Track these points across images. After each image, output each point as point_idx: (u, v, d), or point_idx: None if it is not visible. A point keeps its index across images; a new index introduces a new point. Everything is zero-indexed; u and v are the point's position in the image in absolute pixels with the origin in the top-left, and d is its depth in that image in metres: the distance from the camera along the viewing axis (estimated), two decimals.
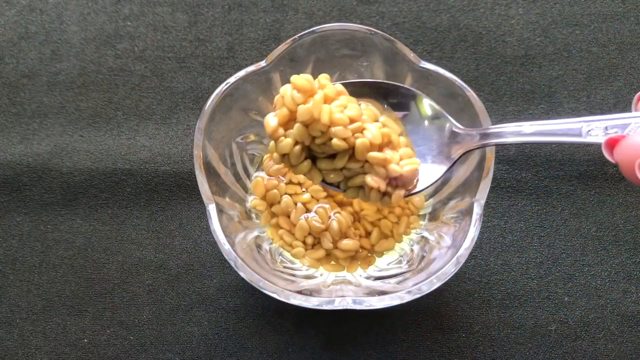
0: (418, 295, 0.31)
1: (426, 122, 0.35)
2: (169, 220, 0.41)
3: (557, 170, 0.41)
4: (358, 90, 0.35)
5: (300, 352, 0.38)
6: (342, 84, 0.34)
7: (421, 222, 0.39)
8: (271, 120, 0.33)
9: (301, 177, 0.39)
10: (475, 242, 0.32)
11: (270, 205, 0.39)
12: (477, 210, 0.32)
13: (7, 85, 0.43)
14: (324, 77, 0.34)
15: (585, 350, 0.38)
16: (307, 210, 0.38)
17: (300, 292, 0.32)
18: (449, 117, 0.34)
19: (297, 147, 0.32)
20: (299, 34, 0.36)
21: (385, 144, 0.33)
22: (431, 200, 0.39)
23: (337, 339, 0.38)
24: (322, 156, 0.33)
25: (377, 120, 0.34)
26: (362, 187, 0.33)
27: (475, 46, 0.44)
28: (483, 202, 0.33)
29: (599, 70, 0.44)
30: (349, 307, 0.31)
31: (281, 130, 0.33)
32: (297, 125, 0.32)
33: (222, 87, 0.35)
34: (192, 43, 0.44)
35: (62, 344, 0.38)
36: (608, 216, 0.41)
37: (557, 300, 0.39)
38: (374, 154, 0.32)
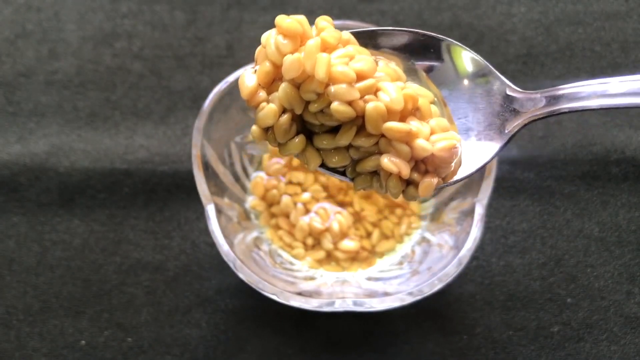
0: (419, 297, 0.31)
1: (465, 82, 0.26)
2: (167, 220, 0.40)
3: (560, 170, 0.41)
4: (373, 44, 0.27)
5: (300, 354, 0.37)
6: (353, 32, 0.26)
7: (422, 223, 0.38)
8: (248, 79, 0.24)
9: (301, 177, 0.38)
10: (477, 243, 0.32)
11: (270, 205, 0.39)
12: (479, 210, 0.32)
13: (4, 84, 0.43)
14: (323, 19, 0.26)
15: (588, 352, 0.38)
16: (307, 211, 0.38)
17: (300, 294, 0.32)
18: (500, 76, 0.26)
19: (285, 117, 0.24)
20: None
21: (410, 111, 0.24)
22: (433, 200, 0.38)
23: (337, 341, 0.38)
24: (321, 130, 0.25)
25: (399, 80, 0.25)
26: (376, 172, 0.25)
27: (477, 45, 0.44)
28: (485, 202, 0.32)
29: (602, 69, 0.43)
30: (349, 309, 0.31)
31: (262, 94, 0.24)
32: (283, 85, 0.24)
33: (220, 86, 0.34)
34: (191, 41, 0.44)
35: (60, 345, 0.38)
36: (611, 217, 0.40)
37: (559, 302, 0.38)
38: (393, 125, 0.23)
